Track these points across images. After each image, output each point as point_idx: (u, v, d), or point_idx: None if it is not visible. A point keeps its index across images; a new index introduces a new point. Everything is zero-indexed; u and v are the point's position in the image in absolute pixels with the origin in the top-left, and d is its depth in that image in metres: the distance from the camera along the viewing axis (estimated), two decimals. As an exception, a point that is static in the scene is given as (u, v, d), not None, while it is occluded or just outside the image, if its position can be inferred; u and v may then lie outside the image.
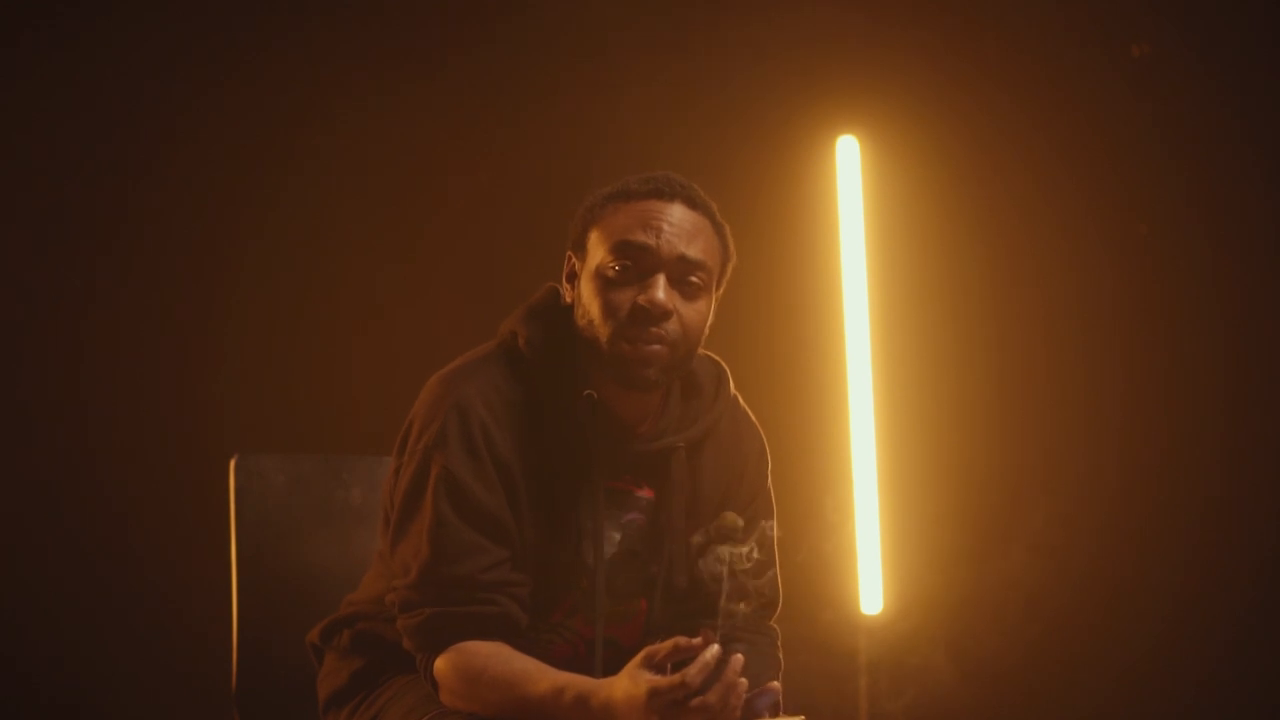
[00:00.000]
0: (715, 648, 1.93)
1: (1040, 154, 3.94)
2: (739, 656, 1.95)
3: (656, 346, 2.12)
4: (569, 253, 2.21)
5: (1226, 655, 3.83)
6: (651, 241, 2.11)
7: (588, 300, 2.14)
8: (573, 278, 2.20)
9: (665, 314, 2.11)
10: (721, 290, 2.23)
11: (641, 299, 2.10)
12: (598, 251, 2.14)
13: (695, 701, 1.93)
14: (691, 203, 2.17)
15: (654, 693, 1.93)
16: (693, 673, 1.92)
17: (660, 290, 2.10)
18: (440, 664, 2.11)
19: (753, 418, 2.38)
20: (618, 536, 2.21)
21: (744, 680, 1.95)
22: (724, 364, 2.34)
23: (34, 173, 3.64)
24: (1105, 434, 3.92)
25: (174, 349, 3.70)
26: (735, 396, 2.35)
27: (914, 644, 3.85)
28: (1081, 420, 3.93)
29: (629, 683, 1.96)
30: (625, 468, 2.21)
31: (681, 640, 1.94)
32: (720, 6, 3.96)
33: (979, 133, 3.94)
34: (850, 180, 3.91)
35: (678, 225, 2.14)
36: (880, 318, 3.89)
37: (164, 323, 3.71)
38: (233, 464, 2.54)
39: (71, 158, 3.66)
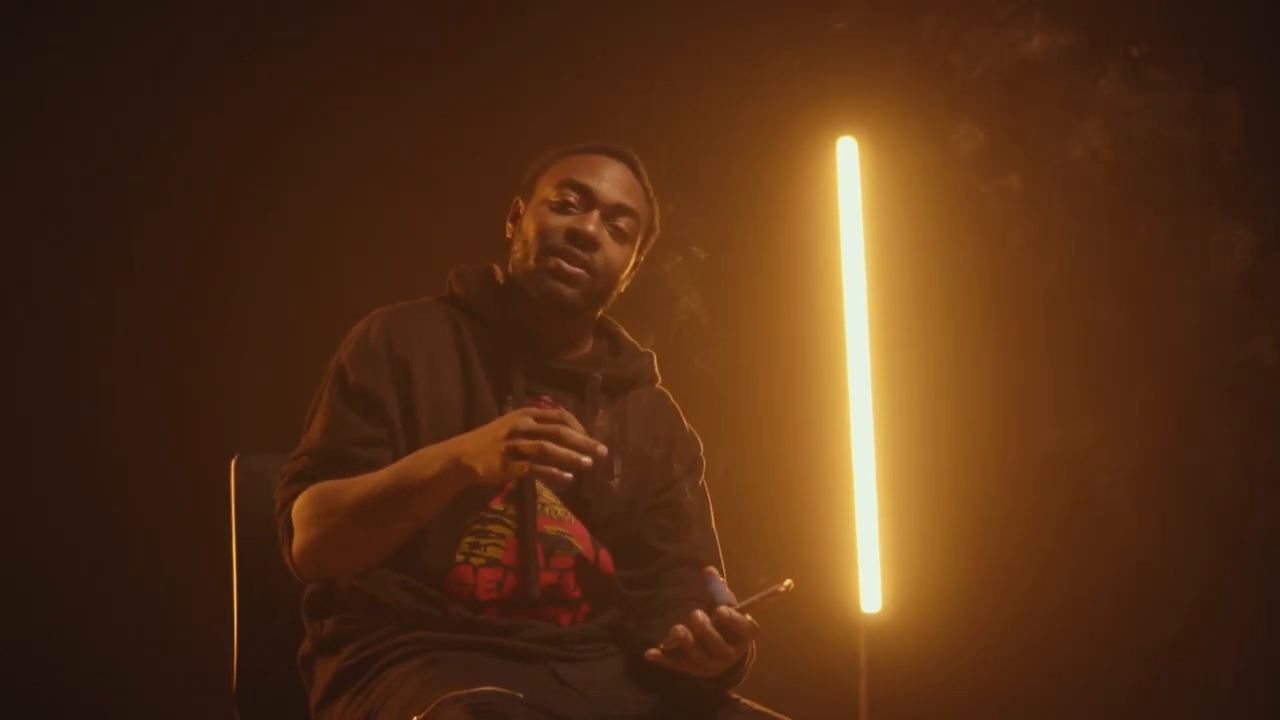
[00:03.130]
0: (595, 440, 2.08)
1: (1040, 155, 3.94)
2: (604, 448, 2.09)
3: (580, 270, 2.35)
4: (516, 197, 2.46)
5: (1229, 654, 3.83)
6: (594, 185, 2.39)
7: (526, 227, 2.40)
8: (516, 218, 2.45)
9: (594, 244, 2.36)
10: (643, 257, 2.50)
11: (576, 225, 2.35)
12: (544, 190, 2.41)
13: (557, 426, 2.07)
14: (634, 169, 2.45)
15: (531, 411, 2.10)
16: (571, 419, 2.08)
17: (592, 223, 2.36)
18: (299, 500, 2.23)
19: (690, 429, 2.54)
20: None
21: (588, 461, 2.06)
22: (654, 355, 2.55)
23: (32, 171, 3.64)
24: (1106, 433, 3.92)
25: (174, 349, 3.70)
26: (665, 393, 2.54)
27: (914, 643, 3.85)
28: (1082, 420, 3.93)
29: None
30: (544, 385, 2.38)
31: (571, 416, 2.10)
32: (720, 6, 3.96)
33: (979, 133, 3.94)
34: (850, 181, 3.91)
35: (618, 179, 2.42)
36: (880, 318, 3.90)
37: (164, 322, 3.71)
38: (233, 464, 2.55)
39: (69, 156, 3.66)
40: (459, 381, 2.32)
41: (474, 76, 3.89)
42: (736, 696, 2.27)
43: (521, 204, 2.46)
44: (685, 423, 2.54)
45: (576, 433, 2.08)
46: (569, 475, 2.08)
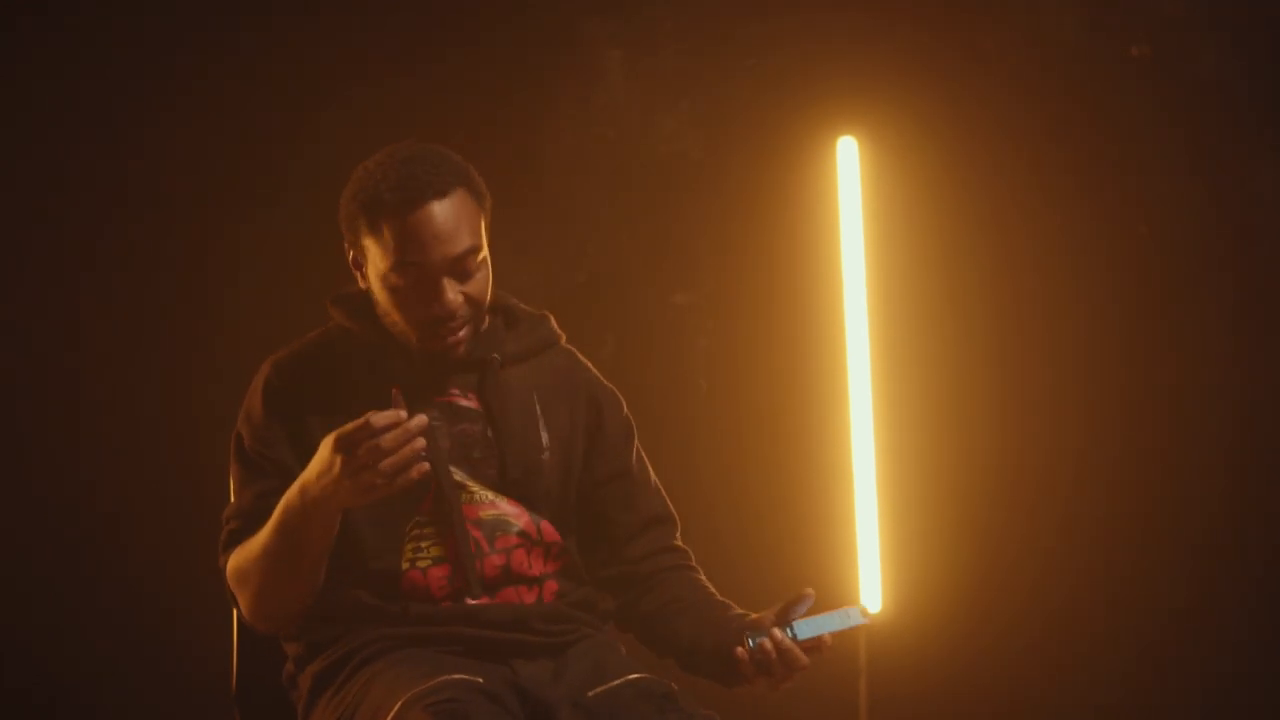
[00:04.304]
0: (402, 413, 2.10)
1: (1040, 155, 3.94)
2: (422, 417, 2.12)
3: (461, 333, 2.32)
4: (346, 243, 2.37)
5: (1228, 655, 3.83)
6: (422, 258, 2.27)
7: (384, 303, 2.33)
8: (359, 264, 2.36)
9: (454, 312, 2.29)
10: (488, 227, 2.37)
11: (435, 308, 2.28)
12: (376, 260, 2.30)
13: (369, 443, 2.08)
14: (440, 192, 2.29)
15: (340, 434, 2.11)
16: (376, 416, 2.09)
17: (447, 294, 2.28)
18: (229, 565, 2.34)
19: (609, 385, 2.54)
20: (447, 445, 2.35)
21: (422, 440, 2.11)
22: (550, 315, 2.51)
23: (30, 168, 3.64)
24: (1106, 433, 3.92)
25: (174, 348, 3.70)
26: (573, 351, 2.53)
27: (914, 644, 3.85)
28: (1082, 420, 3.93)
29: (322, 444, 2.16)
30: (449, 381, 2.38)
31: (373, 412, 2.12)
32: (720, 6, 3.96)
33: (979, 133, 3.94)
34: (850, 180, 3.91)
35: (439, 228, 2.27)
36: (880, 318, 3.89)
37: (164, 322, 3.70)
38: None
39: (68, 155, 3.66)
40: (356, 409, 2.29)
41: (470, 74, 3.89)
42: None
43: (351, 251, 2.36)
44: (602, 379, 2.54)
45: (383, 421, 2.11)
46: (425, 465, 2.13)
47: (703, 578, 2.51)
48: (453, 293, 2.29)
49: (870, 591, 3.84)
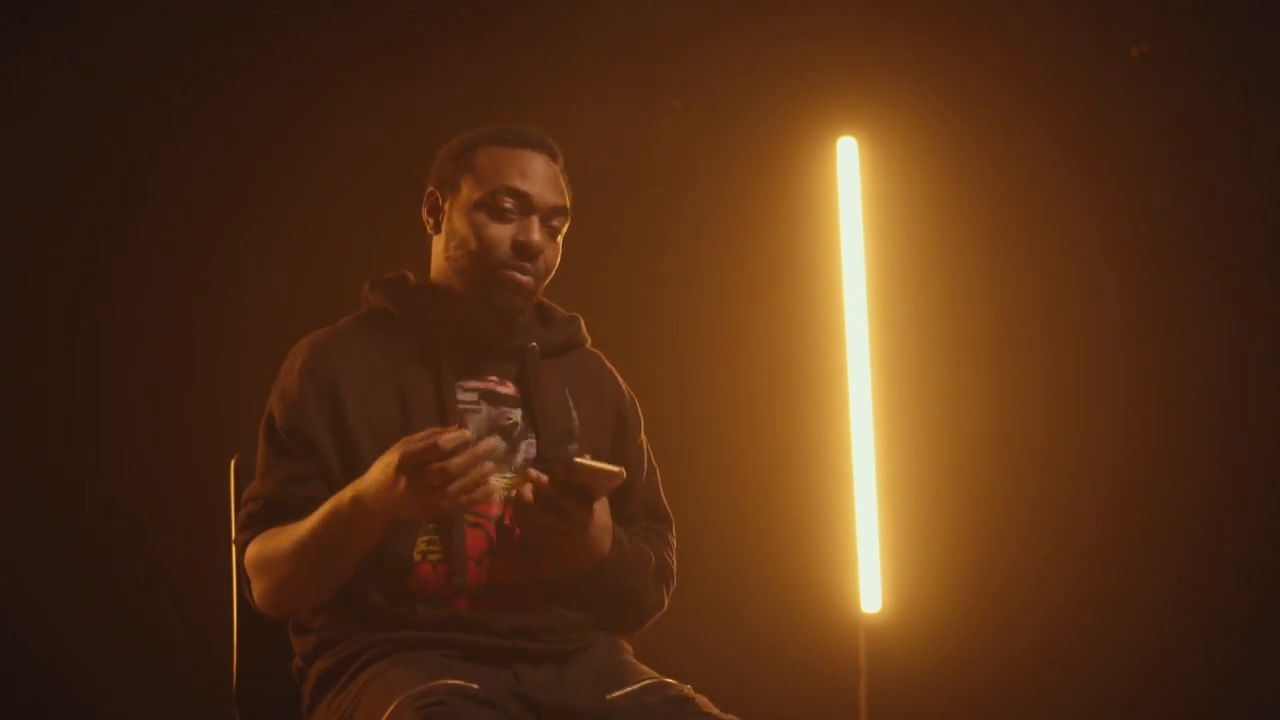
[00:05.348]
0: (468, 432, 2.14)
1: (1040, 155, 3.94)
2: (491, 440, 2.18)
3: (527, 278, 2.38)
4: (433, 189, 2.46)
5: (1227, 654, 3.83)
6: (531, 190, 2.39)
7: (465, 232, 2.39)
8: (436, 211, 2.45)
9: (539, 252, 2.38)
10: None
11: (521, 237, 2.37)
12: (476, 190, 2.39)
13: (437, 465, 2.11)
14: (552, 155, 2.44)
15: (406, 454, 2.14)
16: (445, 438, 2.13)
17: (536, 232, 2.38)
18: (249, 549, 2.33)
19: (632, 397, 2.57)
20: (486, 429, 2.36)
21: (490, 463, 2.15)
22: (580, 318, 2.56)
23: (29, 170, 3.64)
24: (1105, 433, 3.92)
25: (173, 349, 3.70)
26: (600, 355, 2.57)
27: (914, 644, 3.86)
28: (1081, 420, 3.93)
29: (385, 455, 2.19)
30: (488, 368, 2.41)
31: (437, 429, 2.16)
32: (720, 7, 3.96)
33: (979, 133, 3.94)
34: (850, 181, 3.91)
35: (546, 176, 2.41)
36: (880, 318, 3.90)
37: (164, 322, 3.71)
38: (233, 464, 2.55)
39: (67, 155, 3.66)
40: (393, 389, 2.35)
41: (469, 80, 3.89)
42: (700, 700, 2.27)
43: (443, 198, 2.44)
44: (624, 387, 2.57)
45: (451, 442, 2.13)
46: (492, 487, 2.17)
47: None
48: (539, 235, 2.37)
49: (870, 591, 3.85)
